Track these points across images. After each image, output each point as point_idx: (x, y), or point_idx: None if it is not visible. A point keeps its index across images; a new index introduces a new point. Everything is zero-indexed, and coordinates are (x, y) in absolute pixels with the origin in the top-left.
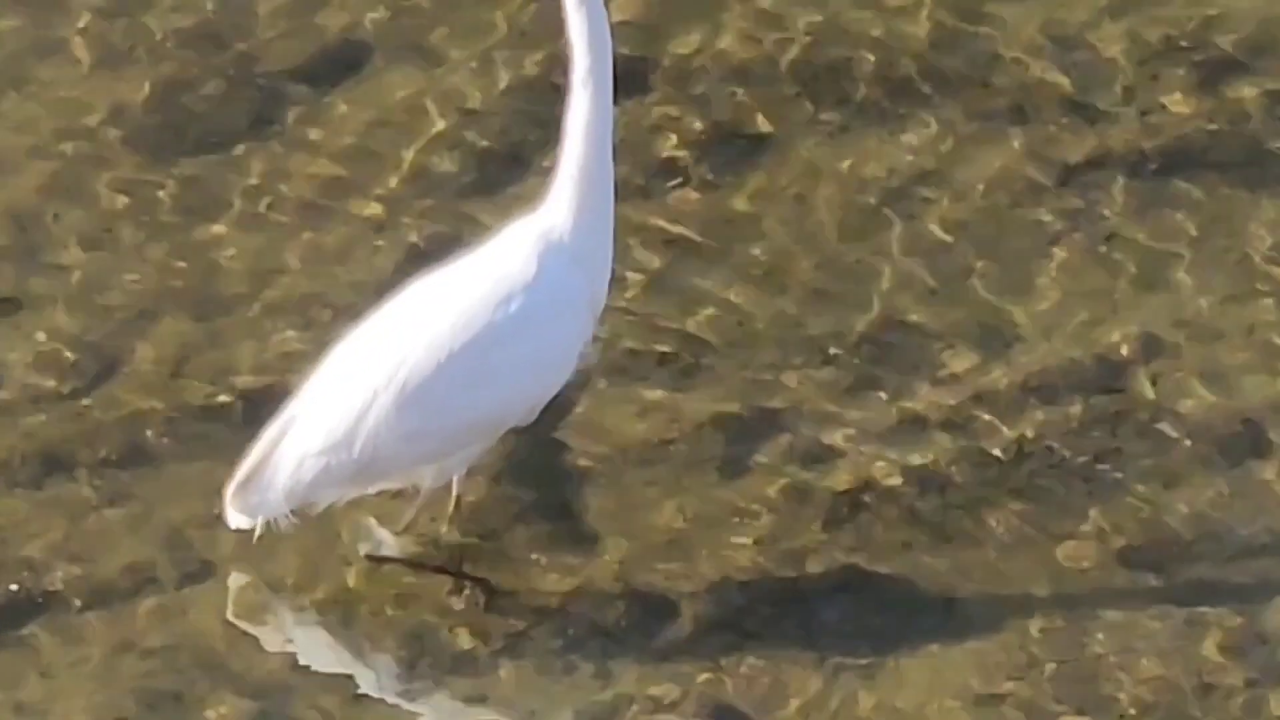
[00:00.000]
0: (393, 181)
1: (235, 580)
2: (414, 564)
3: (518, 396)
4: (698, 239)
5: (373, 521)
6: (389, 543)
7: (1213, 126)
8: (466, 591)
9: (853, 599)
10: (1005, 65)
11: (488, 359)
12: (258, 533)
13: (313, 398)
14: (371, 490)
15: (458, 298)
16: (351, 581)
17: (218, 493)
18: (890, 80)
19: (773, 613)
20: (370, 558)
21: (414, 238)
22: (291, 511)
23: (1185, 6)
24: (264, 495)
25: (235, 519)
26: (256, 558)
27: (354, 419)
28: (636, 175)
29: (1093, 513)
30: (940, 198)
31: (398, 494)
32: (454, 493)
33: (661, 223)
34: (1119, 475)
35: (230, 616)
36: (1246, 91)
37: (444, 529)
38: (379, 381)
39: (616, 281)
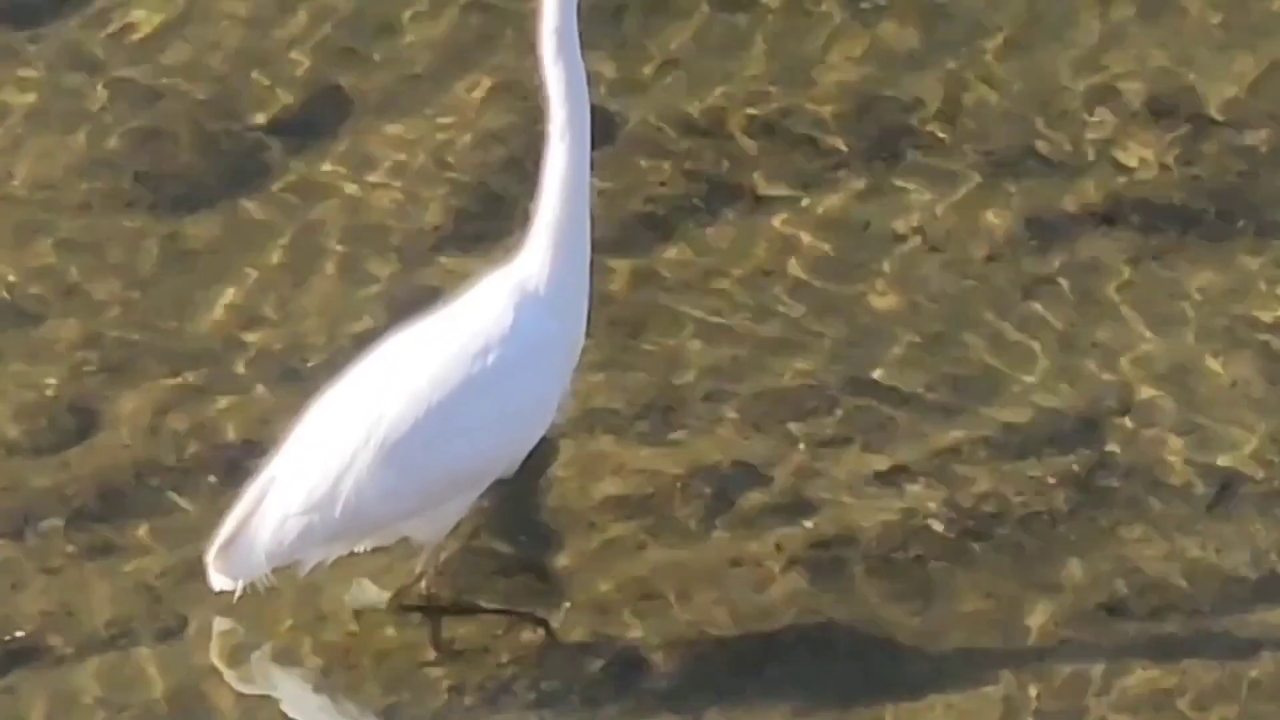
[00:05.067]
0: (371, 234)
1: (219, 626)
2: (468, 609)
3: (496, 449)
4: (675, 292)
5: (366, 581)
6: (379, 597)
7: (1191, 181)
8: (527, 630)
9: (830, 652)
10: (981, 121)
11: (465, 412)
12: (238, 594)
13: (292, 457)
14: (358, 548)
15: (434, 351)
16: (334, 632)
17: (196, 546)
18: (868, 137)
19: (749, 666)
20: (410, 606)
21: (392, 289)
22: (274, 571)
23: (1161, 64)
24: (247, 557)
25: (218, 580)
26: (239, 608)
27: (334, 478)
28: (613, 227)
29: (1070, 565)
30: (919, 252)
31: (383, 550)
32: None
33: (637, 276)
34: (1097, 528)
35: (214, 660)
36: (1222, 147)
37: (422, 582)
38: (358, 439)
39: (590, 334)
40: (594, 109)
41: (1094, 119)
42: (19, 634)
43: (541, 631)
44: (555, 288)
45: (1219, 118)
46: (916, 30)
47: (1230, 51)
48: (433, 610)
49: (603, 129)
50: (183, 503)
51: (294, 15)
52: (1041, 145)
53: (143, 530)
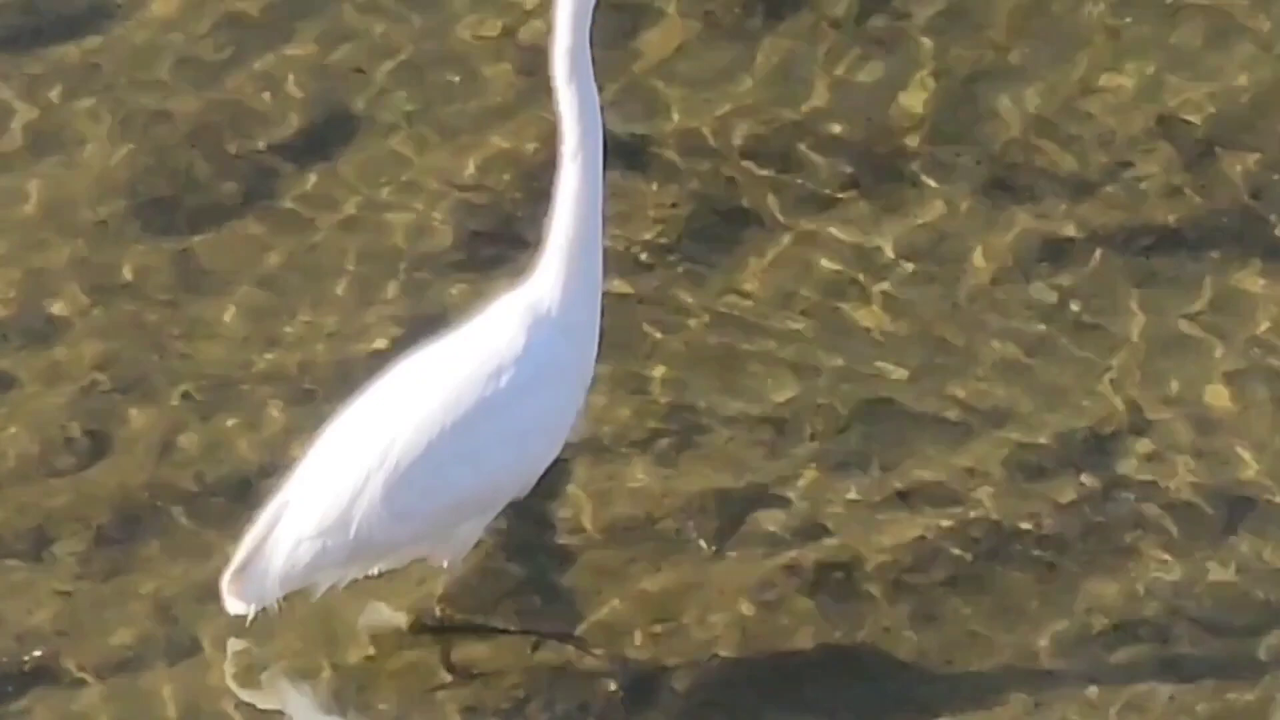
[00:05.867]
0: (383, 256)
1: (233, 646)
2: (487, 629)
3: (509, 471)
4: (688, 314)
5: (380, 603)
6: (392, 618)
7: (1201, 203)
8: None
9: (840, 675)
10: (993, 142)
11: (478, 434)
12: (251, 617)
13: (306, 480)
14: (373, 571)
15: (447, 374)
16: (347, 654)
17: (209, 567)
18: (878, 158)
19: (760, 688)
20: (427, 627)
21: (405, 312)
22: (288, 595)
23: (1172, 84)
24: (261, 581)
25: (233, 605)
26: (253, 629)
27: (348, 501)
28: (625, 248)
29: (1084, 587)
30: (929, 274)
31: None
32: (443, 568)
33: (651, 297)
34: (1110, 550)
35: (228, 681)
36: (1237, 168)
37: (435, 605)
38: (371, 462)
39: (603, 355)
40: (606, 131)
41: (1103, 140)
42: (36, 654)
43: (570, 648)
44: (568, 309)
45: (1228, 139)
46: (922, 49)
47: (1238, 72)
48: (450, 631)
49: (613, 151)
50: (196, 524)
51: (307, 36)
52: (1050, 166)
53: (156, 551)
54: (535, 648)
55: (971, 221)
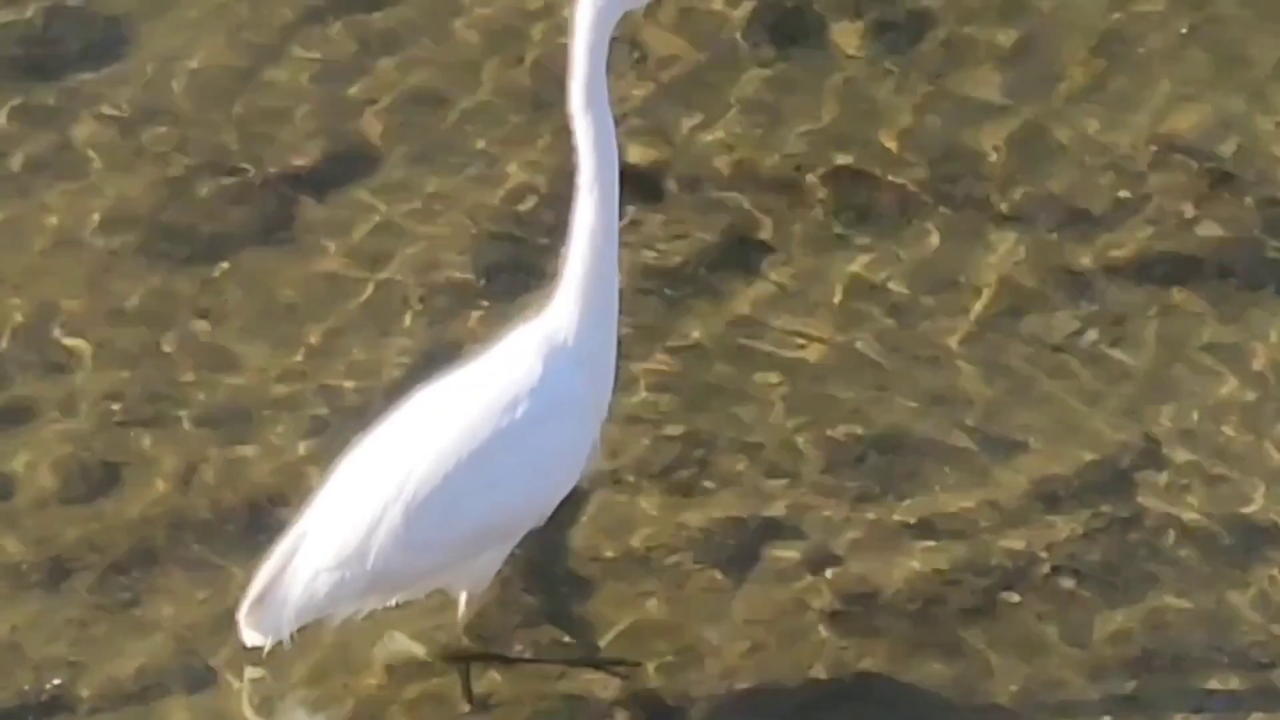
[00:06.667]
0: (399, 286)
1: (249, 676)
2: (505, 658)
3: (525, 502)
4: (702, 344)
5: (397, 633)
6: (410, 648)
7: (1216, 235)
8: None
9: (861, 705)
10: (1007, 171)
11: (495, 465)
12: (268, 649)
13: (323, 511)
14: (391, 602)
15: (463, 404)
16: (364, 684)
17: (226, 598)
18: (893, 187)
19: (776, 719)
20: (447, 656)
21: (421, 342)
22: (305, 626)
23: (1186, 116)
24: (278, 612)
25: (250, 637)
26: (270, 658)
27: (365, 532)
28: (641, 279)
29: (1101, 619)
30: (944, 303)
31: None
32: (463, 599)
33: (667, 327)
34: (1127, 582)
35: (245, 711)
36: (1251, 199)
37: (459, 634)
38: (388, 493)
39: (620, 385)
40: (623, 162)
41: (1117, 169)
42: (53, 684)
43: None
44: (584, 340)
45: (1245, 171)
46: (932, 82)
47: (1252, 101)
48: (468, 660)
49: (632, 181)
50: (212, 554)
51: (323, 69)
52: (1064, 195)
53: (173, 582)
54: (561, 676)
55: (984, 252)
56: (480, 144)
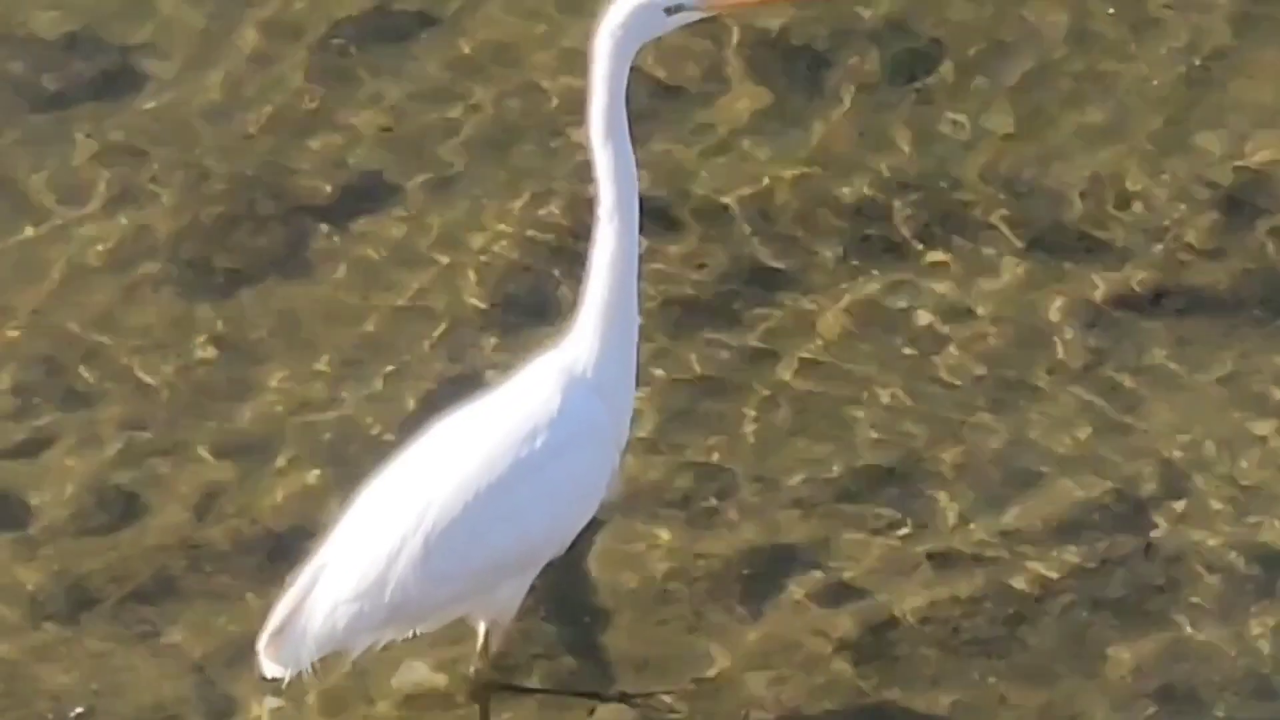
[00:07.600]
0: (419, 317)
1: (268, 705)
2: (573, 694)
3: (545, 532)
4: (720, 374)
5: (416, 662)
6: (427, 678)
7: (1236, 266)
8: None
9: None
10: (1026, 204)
11: (514, 495)
12: (288, 680)
13: (342, 543)
14: (411, 633)
15: (482, 435)
16: (382, 713)
17: (245, 627)
18: (912, 219)
19: None
20: (469, 687)
21: (440, 373)
22: (325, 657)
23: (1211, 149)
24: (298, 644)
25: (270, 668)
26: (288, 689)
27: (384, 564)
28: (655, 308)
29: (1121, 649)
30: (962, 334)
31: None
32: (482, 630)
33: (684, 358)
34: (1147, 612)
35: None
36: (1266, 231)
37: (474, 665)
38: (408, 524)
39: (638, 416)
40: (642, 193)
41: (1135, 202)
42: (74, 713)
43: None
44: (603, 370)
45: (1263, 201)
46: (952, 114)
47: (1270, 133)
48: (488, 690)
49: (650, 212)
50: (232, 584)
51: (344, 101)
52: (1088, 228)
53: (192, 611)
54: (592, 712)
55: (1002, 282)
56: (500, 174)
